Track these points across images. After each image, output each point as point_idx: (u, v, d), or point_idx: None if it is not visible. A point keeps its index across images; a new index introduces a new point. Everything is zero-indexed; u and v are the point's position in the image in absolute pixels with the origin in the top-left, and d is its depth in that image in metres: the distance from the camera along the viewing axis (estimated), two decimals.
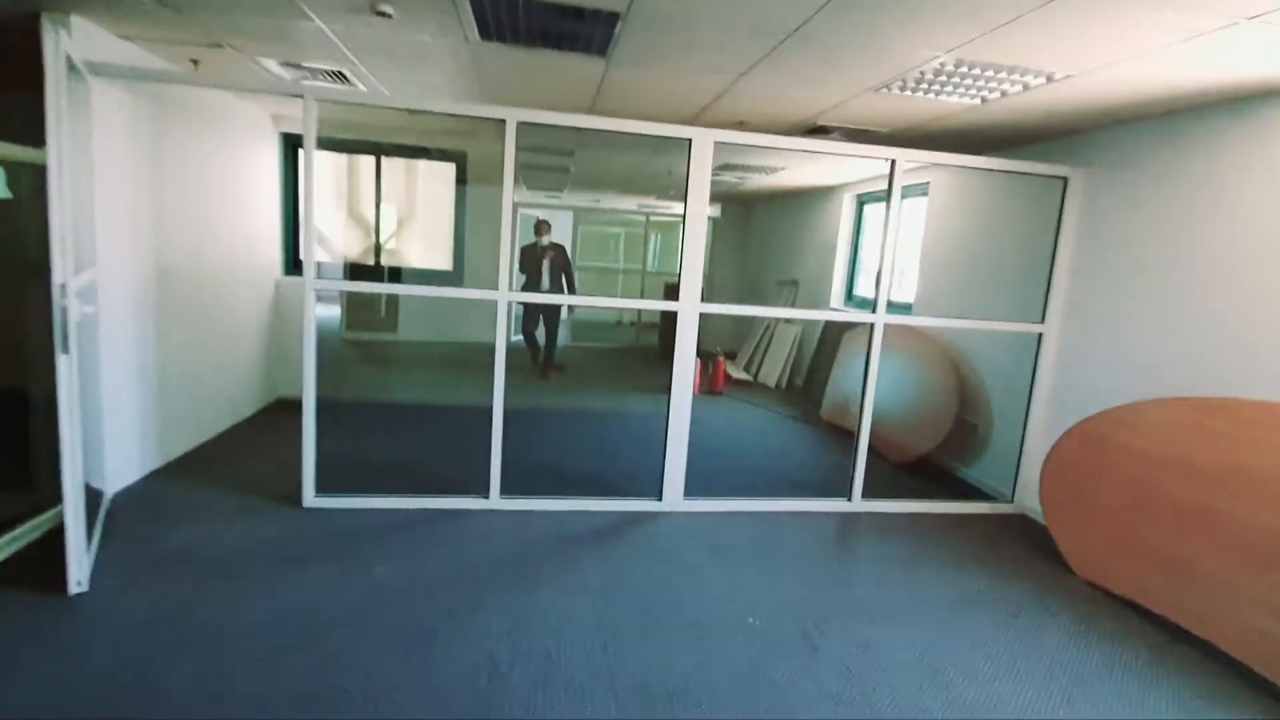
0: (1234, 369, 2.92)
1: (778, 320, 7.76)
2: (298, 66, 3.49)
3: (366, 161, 5.69)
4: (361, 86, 3.76)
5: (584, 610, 2.57)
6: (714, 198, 9.18)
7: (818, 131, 4.09)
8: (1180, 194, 3.21)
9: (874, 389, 3.78)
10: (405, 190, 6.24)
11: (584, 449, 4.80)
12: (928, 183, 5.26)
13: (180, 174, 3.78)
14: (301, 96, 3.07)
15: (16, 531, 2.74)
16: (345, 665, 2.16)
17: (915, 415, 4.69)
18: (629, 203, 10.15)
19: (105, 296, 3.09)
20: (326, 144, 5.51)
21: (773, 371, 7.44)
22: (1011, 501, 4.04)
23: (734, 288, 9.72)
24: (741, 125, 4.20)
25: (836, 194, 6.94)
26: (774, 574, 3.00)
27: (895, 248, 3.72)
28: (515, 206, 8.42)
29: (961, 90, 3.10)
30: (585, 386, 7.13)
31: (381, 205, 5.52)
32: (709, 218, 10.70)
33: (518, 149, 3.20)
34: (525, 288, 6.71)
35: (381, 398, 5.94)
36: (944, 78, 2.94)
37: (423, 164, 5.95)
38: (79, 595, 2.43)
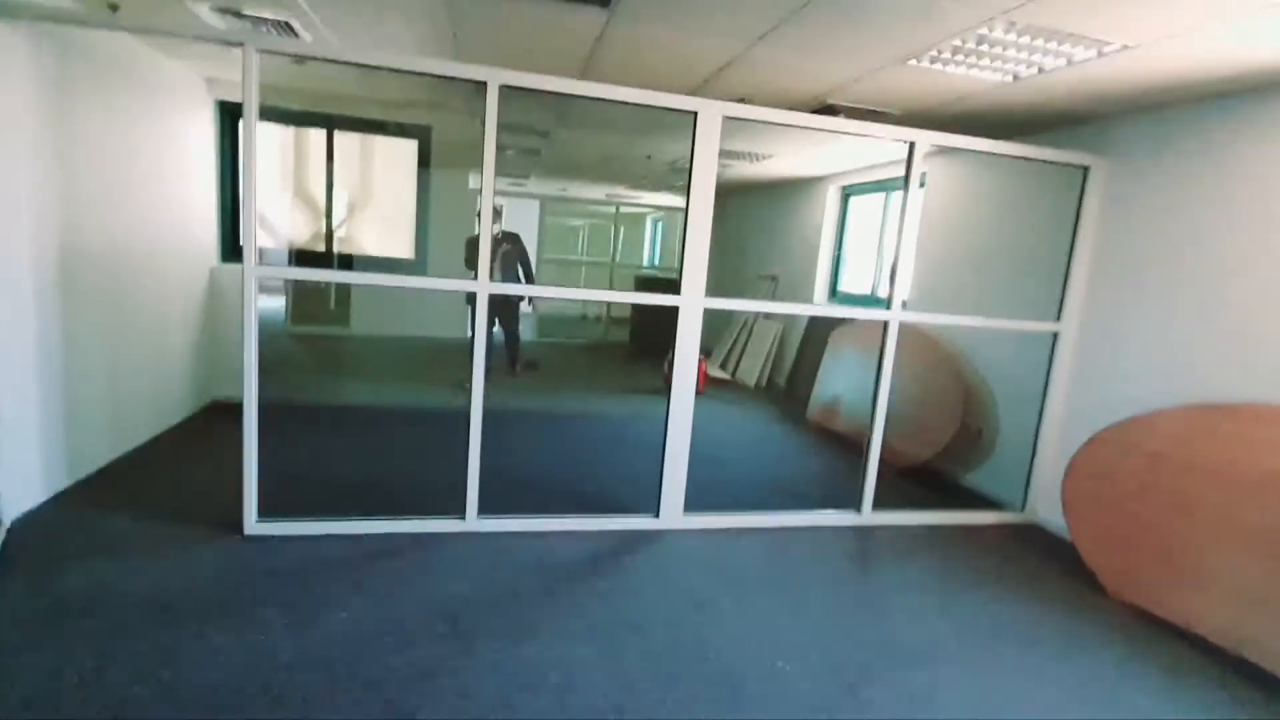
0: (1276, 372, 2.70)
1: (757, 316, 7.46)
2: (237, 14, 2.96)
3: (316, 137, 5.12)
4: (310, 39, 3.25)
5: (590, 662, 2.18)
6: (685, 188, 8.82)
7: (825, 111, 3.76)
8: (1215, 186, 2.99)
9: (887, 393, 3.48)
10: (361, 169, 5.67)
11: (562, 456, 4.39)
12: (923, 173, 5.00)
13: (95, 142, 3.20)
14: (241, 45, 2.56)
15: None
16: None
17: (916, 419, 4.43)
18: (597, 192, 9.71)
19: None
20: (271, 114, 4.92)
21: (752, 370, 7.14)
22: (1022, 510, 3.81)
23: (709, 284, 9.40)
24: (743, 103, 3.83)
25: (820, 186, 6.66)
26: (796, 606, 2.66)
27: (909, 239, 3.41)
28: (474, 191, 7.91)
29: (1000, 63, 2.80)
30: (556, 387, 6.69)
31: (334, 186, 4.96)
32: (680, 210, 10.39)
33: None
34: None
35: (334, 400, 5.39)
36: (985, 46, 2.63)
37: (381, 140, 5.40)
38: None
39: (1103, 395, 3.46)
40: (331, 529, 2.91)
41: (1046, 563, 3.24)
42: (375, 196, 5.73)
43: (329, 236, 5.23)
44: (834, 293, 6.52)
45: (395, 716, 1.86)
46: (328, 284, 7.61)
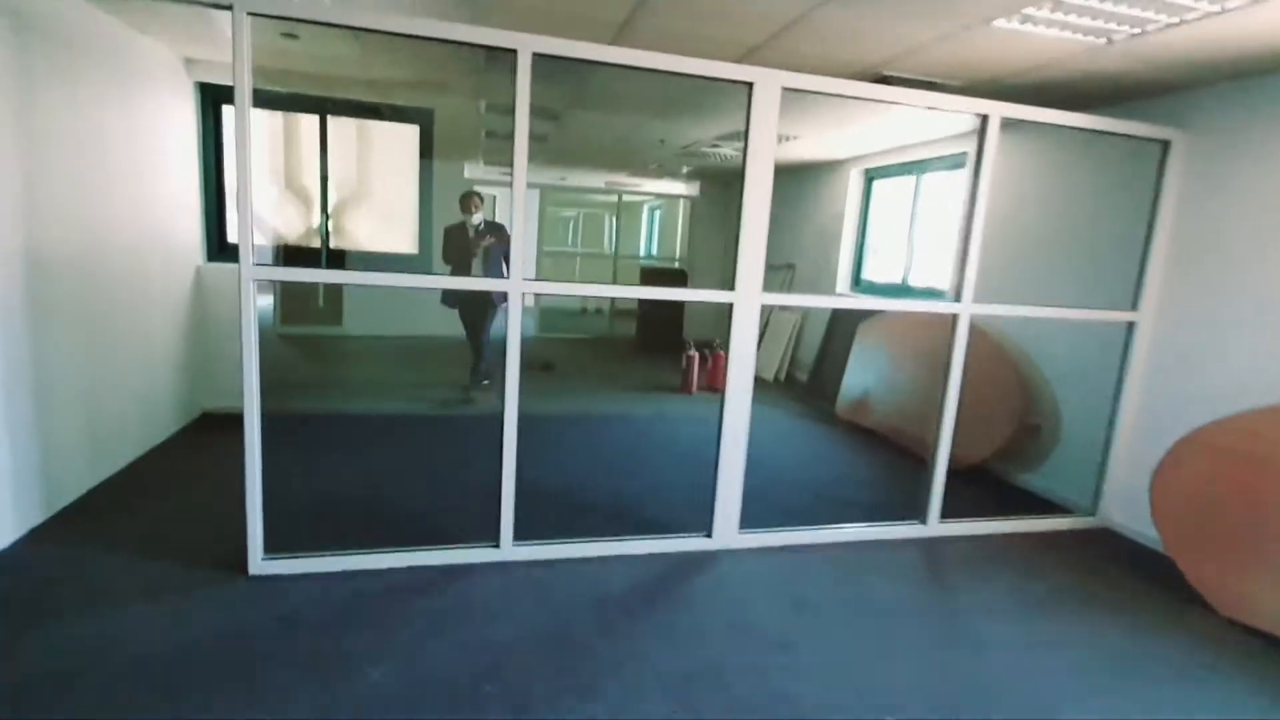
0: None
1: (773, 308, 7.14)
2: None
3: (308, 124, 4.70)
4: None
5: None
6: (693, 175, 8.47)
7: (881, 83, 3.42)
8: None
9: (957, 393, 3.18)
10: (358, 158, 5.25)
11: (588, 465, 4.05)
12: (964, 153, 4.69)
13: (62, 133, 2.80)
14: (230, 8, 2.18)
15: None
16: None
17: (969, 416, 4.13)
18: (597, 180, 9.32)
19: None
20: (258, 99, 4.50)
21: (769, 363, 6.83)
22: (1094, 514, 3.53)
23: (718, 274, 9.07)
24: None
25: (841, 170, 6.33)
26: (883, 642, 2.35)
27: (978, 224, 3.10)
28: (469, 181, 7.49)
29: (1101, 22, 2.48)
30: (569, 386, 6.35)
31: (328, 176, 4.55)
32: (684, 198, 10.02)
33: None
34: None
35: (332, 408, 5.01)
36: (1095, 2, 2.31)
37: (379, 128, 4.99)
38: None
39: (1185, 390, 3.18)
40: (348, 564, 2.56)
41: (1134, 575, 2.96)
42: (373, 187, 5.31)
43: (325, 232, 4.82)
44: (857, 282, 6.21)
45: None
46: (316, 281, 7.19)
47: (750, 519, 3.02)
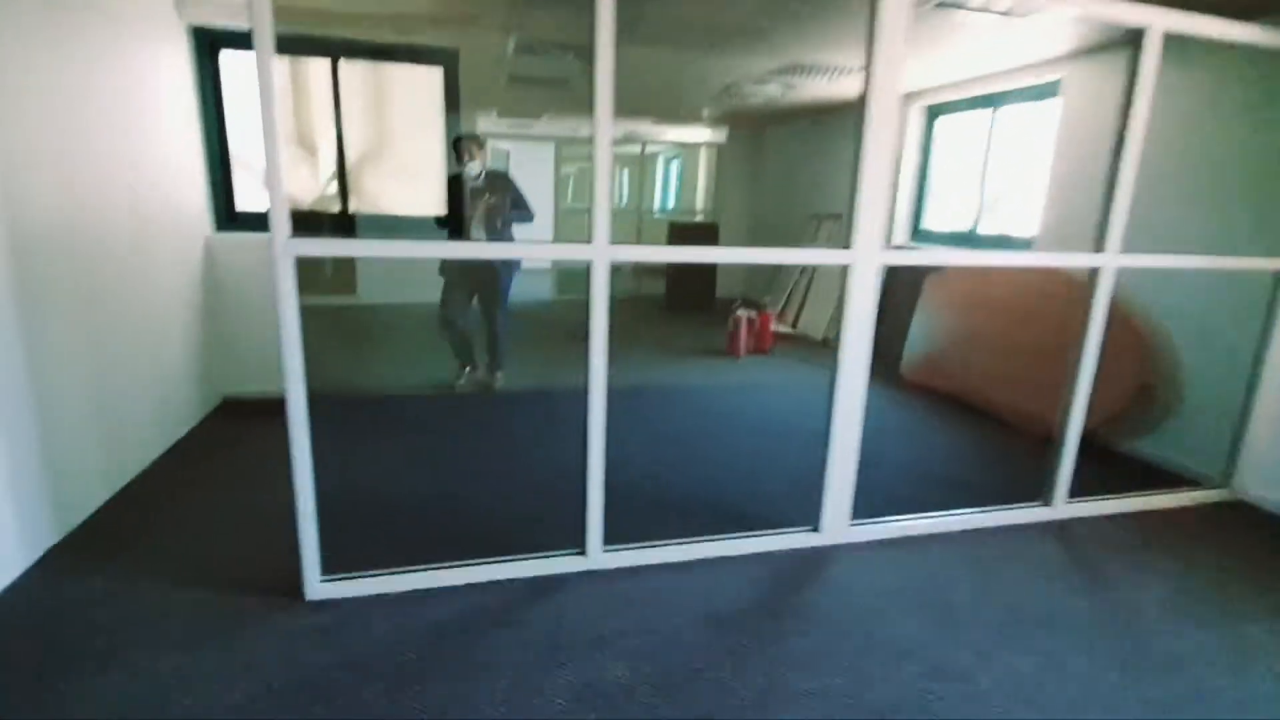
0: None
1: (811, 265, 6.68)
2: None
3: (317, 73, 4.18)
4: None
5: None
6: (721, 119, 7.89)
7: None
8: None
9: (1094, 359, 2.77)
10: (376, 107, 4.72)
11: (651, 445, 3.67)
12: (1058, 80, 4.17)
13: (43, 89, 2.33)
14: None
15: None
16: None
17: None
18: (616, 130, 8.72)
19: None
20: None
21: (818, 322, 6.40)
22: (1227, 486, 3.16)
23: (748, 226, 8.55)
24: None
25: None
26: (1053, 657, 2.00)
27: (1130, 160, 2.63)
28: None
29: None
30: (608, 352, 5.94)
31: (343, 132, 4.05)
32: (707, 146, 9.41)
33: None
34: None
35: (361, 389, 4.62)
36: None
37: (397, 72, 4.45)
38: None
39: None
40: (418, 582, 2.20)
41: None
42: (394, 143, 4.80)
43: (343, 193, 4.34)
44: (916, 231, 5.73)
45: None
46: (362, 256, 6.70)
47: (854, 508, 2.65)
